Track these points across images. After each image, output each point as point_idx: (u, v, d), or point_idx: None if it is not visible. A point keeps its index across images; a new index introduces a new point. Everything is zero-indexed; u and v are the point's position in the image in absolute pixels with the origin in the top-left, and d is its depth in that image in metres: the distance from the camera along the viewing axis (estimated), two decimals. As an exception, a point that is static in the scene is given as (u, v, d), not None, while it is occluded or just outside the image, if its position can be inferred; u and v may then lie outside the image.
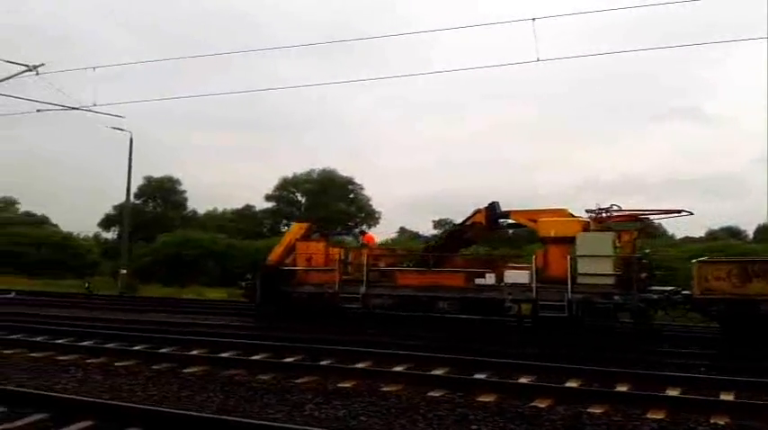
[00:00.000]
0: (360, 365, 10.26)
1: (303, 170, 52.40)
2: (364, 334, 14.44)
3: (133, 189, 38.55)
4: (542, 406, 7.72)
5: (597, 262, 14.40)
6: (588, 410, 7.55)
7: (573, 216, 15.79)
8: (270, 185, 52.87)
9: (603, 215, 15.48)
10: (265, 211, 53.29)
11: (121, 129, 30.01)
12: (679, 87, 79.72)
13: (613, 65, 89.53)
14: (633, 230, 15.79)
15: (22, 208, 56.54)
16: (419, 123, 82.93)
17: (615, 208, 15.59)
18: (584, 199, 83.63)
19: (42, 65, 19.09)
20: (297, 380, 9.08)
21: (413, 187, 79.36)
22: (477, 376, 9.49)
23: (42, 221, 53.30)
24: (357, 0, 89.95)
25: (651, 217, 16.64)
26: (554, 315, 14.38)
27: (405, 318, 16.52)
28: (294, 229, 20.09)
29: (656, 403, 7.78)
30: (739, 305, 13.46)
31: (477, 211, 17.36)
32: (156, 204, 54.05)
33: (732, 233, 42.65)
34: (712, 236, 40.85)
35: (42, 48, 77.94)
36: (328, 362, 10.57)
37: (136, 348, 11.79)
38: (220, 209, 55.54)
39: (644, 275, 14.64)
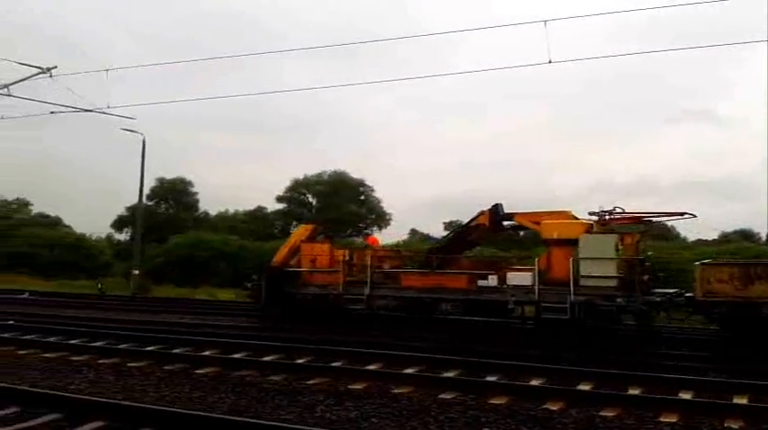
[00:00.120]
0: (371, 367, 10.27)
1: (314, 172, 52.64)
2: (368, 335, 14.44)
3: (146, 190, 38.91)
4: (554, 408, 7.70)
5: (600, 264, 14.29)
6: (601, 413, 7.51)
7: (576, 218, 15.73)
8: (275, 187, 53.04)
9: (606, 217, 15.41)
10: (277, 213, 53.46)
11: (134, 132, 30.15)
12: (691, 88, 79.25)
13: (627, 65, 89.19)
14: (636, 233, 15.70)
15: (36, 209, 56.91)
16: (440, 125, 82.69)
17: (618, 210, 15.52)
18: (598, 201, 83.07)
19: (55, 67, 19.26)
20: (308, 382, 9.11)
21: (435, 188, 79.26)
22: (489, 378, 9.45)
23: (56, 223, 53.75)
24: (366, 2, 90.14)
25: (654, 219, 16.53)
26: (557, 317, 14.33)
27: (408, 319, 16.54)
28: (299, 231, 20.17)
29: (669, 406, 7.72)
30: (741, 307, 13.36)
31: (481, 213, 17.29)
32: (169, 206, 54.22)
33: (745, 235, 42.29)
34: (725, 238, 40.56)
35: (56, 52, 78.65)
36: (339, 363, 10.59)
37: (148, 349, 11.86)
38: (232, 210, 55.81)
39: (647, 277, 14.56)
